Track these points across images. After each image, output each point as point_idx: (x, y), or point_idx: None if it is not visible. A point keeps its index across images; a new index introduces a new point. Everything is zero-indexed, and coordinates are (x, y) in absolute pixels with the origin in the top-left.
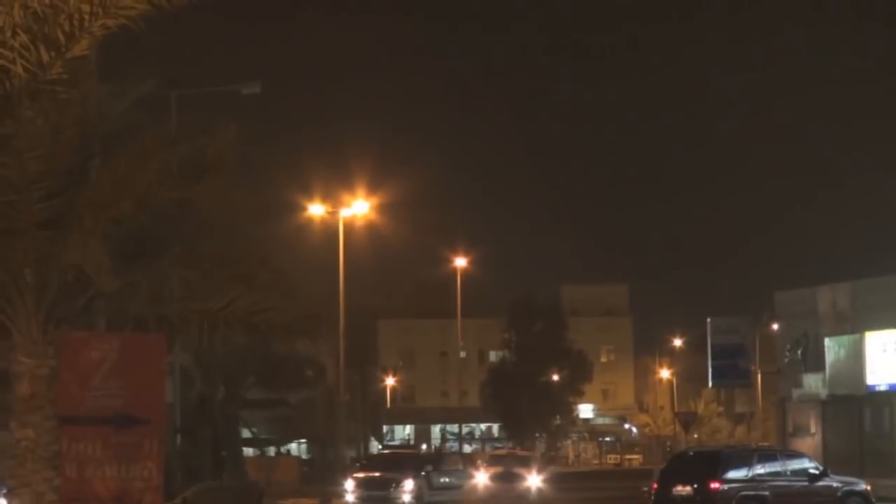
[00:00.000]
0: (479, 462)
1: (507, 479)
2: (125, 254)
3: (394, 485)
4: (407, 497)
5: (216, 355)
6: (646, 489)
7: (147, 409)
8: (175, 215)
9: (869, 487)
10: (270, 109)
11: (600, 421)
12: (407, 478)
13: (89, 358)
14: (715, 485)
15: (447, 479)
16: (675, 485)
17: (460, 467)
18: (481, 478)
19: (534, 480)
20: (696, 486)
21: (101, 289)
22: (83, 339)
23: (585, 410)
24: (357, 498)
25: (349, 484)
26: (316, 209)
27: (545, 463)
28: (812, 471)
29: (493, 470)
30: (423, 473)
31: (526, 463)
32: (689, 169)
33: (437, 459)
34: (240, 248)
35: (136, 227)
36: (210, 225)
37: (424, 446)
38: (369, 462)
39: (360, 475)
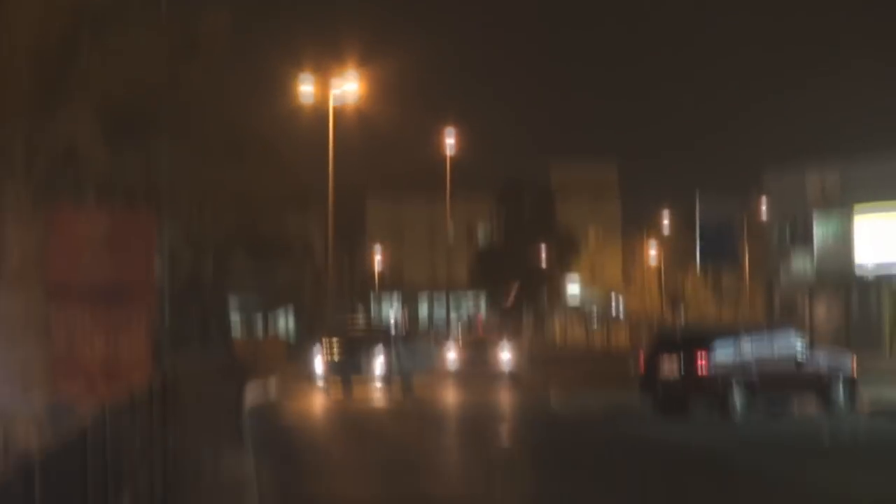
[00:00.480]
0: (446, 345)
1: (478, 359)
2: (116, 130)
3: (364, 360)
4: (381, 371)
5: (205, 232)
6: (631, 364)
7: (137, 284)
8: (167, 93)
9: (854, 360)
10: None
11: (587, 301)
12: (377, 355)
13: (79, 232)
14: (702, 361)
15: (415, 358)
16: (661, 367)
17: (431, 345)
18: (451, 357)
19: (506, 362)
20: (683, 368)
21: (94, 164)
22: (73, 213)
23: (573, 290)
24: (326, 375)
25: (317, 362)
26: (306, 86)
27: (519, 344)
28: (799, 348)
29: (465, 352)
30: (392, 351)
31: (499, 347)
32: (683, 54)
33: (405, 336)
34: (231, 124)
35: (127, 103)
36: (202, 103)
37: (392, 321)
38: (334, 340)
39: (329, 353)
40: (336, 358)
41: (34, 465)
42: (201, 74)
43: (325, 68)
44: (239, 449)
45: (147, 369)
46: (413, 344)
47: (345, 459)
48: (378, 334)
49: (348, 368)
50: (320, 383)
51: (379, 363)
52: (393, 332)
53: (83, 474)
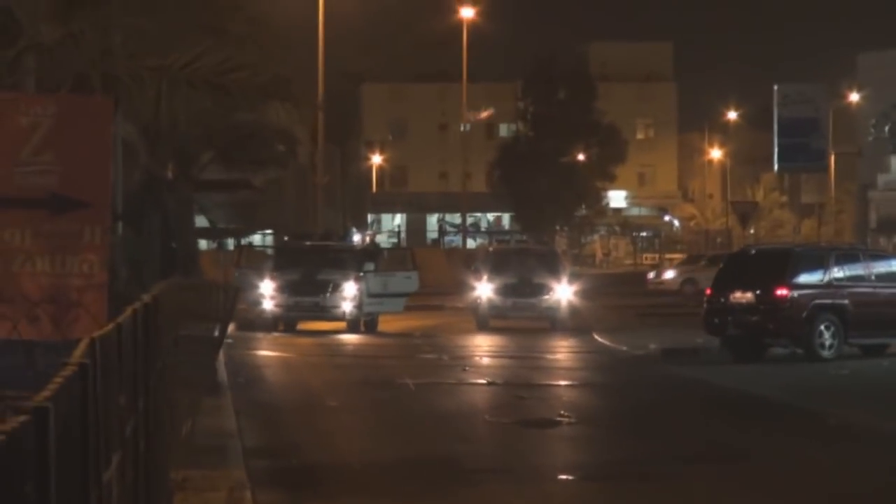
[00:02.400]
0: (473, 266)
1: (522, 290)
2: None
3: (329, 289)
4: (348, 306)
5: (167, 124)
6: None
7: (89, 189)
8: None
9: None
10: None
11: (635, 212)
12: (346, 280)
13: (17, 124)
14: (782, 291)
15: (390, 285)
16: (733, 290)
17: (411, 268)
18: (484, 289)
19: (563, 291)
20: (759, 292)
21: (35, 39)
22: (10, 100)
23: (617, 198)
24: (277, 305)
25: (266, 286)
26: None
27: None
28: None
29: (500, 278)
30: (360, 275)
31: (548, 264)
32: None
33: (377, 256)
34: None
35: None
36: None
37: (358, 237)
38: (287, 257)
39: (282, 275)
40: (286, 292)
41: (48, 411)
42: None
43: None
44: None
45: (102, 296)
46: (388, 267)
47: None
48: (344, 254)
49: (309, 298)
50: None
51: (350, 294)
52: (358, 249)
53: (84, 424)
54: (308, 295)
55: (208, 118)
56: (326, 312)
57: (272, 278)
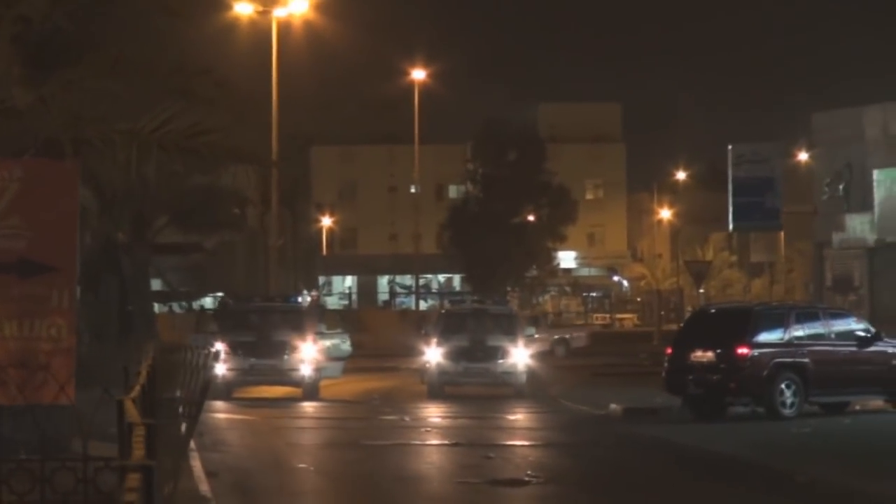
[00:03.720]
0: (423, 328)
1: (474, 354)
2: (38, 61)
3: (287, 351)
4: (307, 370)
5: (123, 188)
6: (644, 356)
7: (55, 252)
8: (97, 13)
9: None
10: None
11: (585, 272)
12: (303, 341)
13: None
14: (743, 349)
15: (329, 349)
16: (693, 349)
17: (340, 331)
18: (433, 354)
19: (520, 354)
20: (719, 350)
21: (7, 103)
22: None
23: (567, 259)
24: (231, 368)
25: (220, 347)
26: (244, 7)
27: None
28: (861, 333)
29: (451, 341)
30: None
31: (504, 325)
32: None
33: (323, 317)
34: (176, 54)
35: (50, 28)
36: (139, 27)
37: (300, 298)
38: (234, 317)
39: (234, 336)
40: (240, 355)
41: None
42: None
43: None
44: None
45: (70, 360)
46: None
47: None
48: (293, 314)
49: (268, 361)
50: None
51: (309, 357)
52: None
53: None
54: (265, 357)
55: (167, 181)
56: (284, 376)
57: (224, 340)
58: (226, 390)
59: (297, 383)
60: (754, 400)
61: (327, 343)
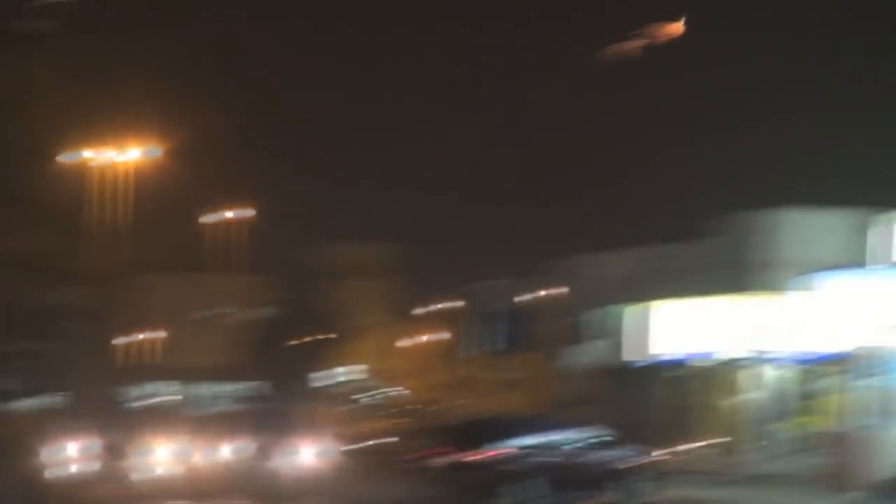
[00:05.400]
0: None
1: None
2: None
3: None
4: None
5: None
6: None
7: None
8: None
9: (652, 454)
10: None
11: (361, 385)
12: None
13: None
14: (472, 456)
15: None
16: (431, 455)
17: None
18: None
19: (307, 454)
20: (453, 456)
21: None
22: None
23: (347, 374)
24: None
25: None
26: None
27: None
28: (592, 445)
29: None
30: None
31: (294, 424)
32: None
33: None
34: (29, 186)
35: None
36: None
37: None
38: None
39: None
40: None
41: None
42: None
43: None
44: None
45: None
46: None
47: None
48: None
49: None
50: None
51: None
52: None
53: None
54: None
55: None
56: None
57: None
58: None
59: None
60: (482, 498)
61: None
